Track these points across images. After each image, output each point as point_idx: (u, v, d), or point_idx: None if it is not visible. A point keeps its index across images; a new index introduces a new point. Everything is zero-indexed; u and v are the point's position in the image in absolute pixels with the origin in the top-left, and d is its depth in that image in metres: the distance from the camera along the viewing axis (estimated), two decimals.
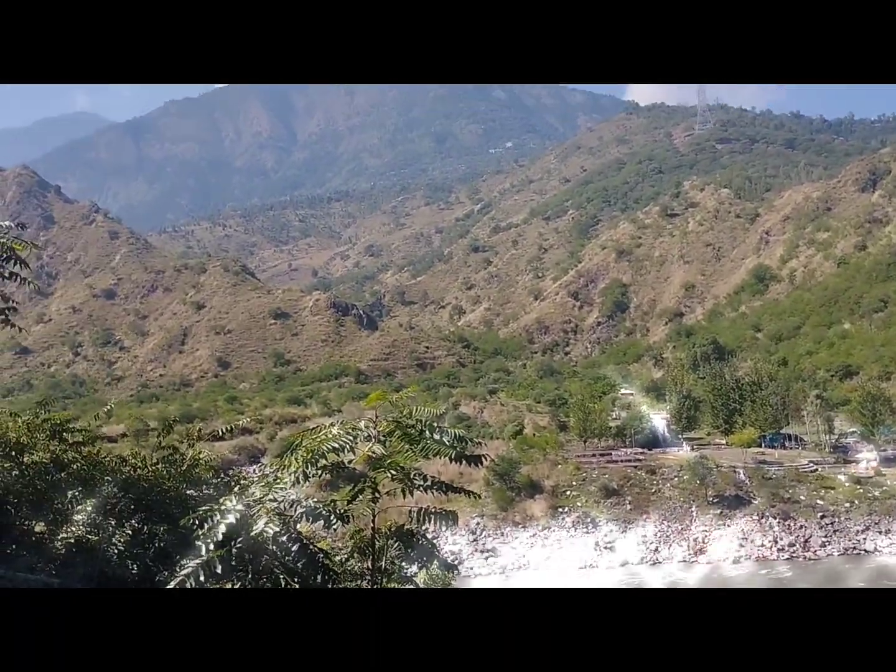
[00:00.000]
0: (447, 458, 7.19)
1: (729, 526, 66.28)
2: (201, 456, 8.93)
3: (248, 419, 74.60)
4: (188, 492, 8.28)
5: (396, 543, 7.50)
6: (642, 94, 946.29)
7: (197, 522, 6.26)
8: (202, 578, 5.63)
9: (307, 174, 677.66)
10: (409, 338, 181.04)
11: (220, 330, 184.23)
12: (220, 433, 10.82)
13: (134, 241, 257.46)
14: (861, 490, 69.98)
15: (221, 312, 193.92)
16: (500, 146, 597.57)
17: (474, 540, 66.64)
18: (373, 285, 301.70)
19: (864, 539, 64.53)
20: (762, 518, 67.24)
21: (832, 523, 66.35)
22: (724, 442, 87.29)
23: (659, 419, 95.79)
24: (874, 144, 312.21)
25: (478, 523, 68.28)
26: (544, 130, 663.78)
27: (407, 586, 8.28)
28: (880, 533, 65.03)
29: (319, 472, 6.70)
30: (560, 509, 69.69)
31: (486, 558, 63.84)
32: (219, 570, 5.70)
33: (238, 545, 5.98)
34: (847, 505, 68.19)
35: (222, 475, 9.25)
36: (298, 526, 6.48)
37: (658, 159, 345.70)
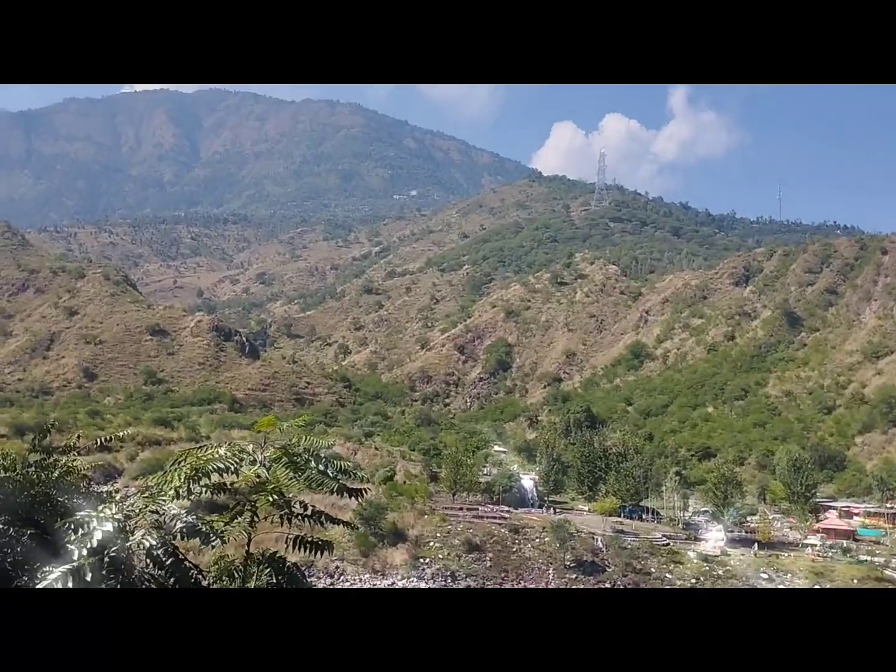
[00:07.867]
0: (329, 490, 7.37)
1: None
2: (75, 464, 8.67)
3: (110, 436, 70.93)
4: (59, 499, 8.02)
5: (267, 570, 7.55)
6: (546, 163, 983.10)
7: (71, 528, 6.17)
8: (70, 584, 5.55)
9: (205, 193, 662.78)
10: (290, 371, 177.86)
11: (91, 339, 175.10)
12: (73, 446, 10.23)
13: (10, 237, 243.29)
14: (707, 567, 73.25)
15: (95, 321, 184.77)
16: (405, 193, 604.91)
17: (331, 584, 65.42)
18: (260, 313, 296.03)
19: None
20: (613, 586, 69.26)
21: None
22: (586, 508, 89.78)
23: (528, 479, 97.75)
24: (750, 243, 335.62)
25: (336, 567, 67.12)
26: (449, 184, 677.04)
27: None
28: None
29: (202, 489, 6.74)
30: (421, 560, 69.52)
31: None
32: (88, 578, 5.64)
33: (112, 554, 5.93)
34: (693, 581, 71.14)
35: (94, 486, 8.98)
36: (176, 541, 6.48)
37: (554, 228, 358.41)
